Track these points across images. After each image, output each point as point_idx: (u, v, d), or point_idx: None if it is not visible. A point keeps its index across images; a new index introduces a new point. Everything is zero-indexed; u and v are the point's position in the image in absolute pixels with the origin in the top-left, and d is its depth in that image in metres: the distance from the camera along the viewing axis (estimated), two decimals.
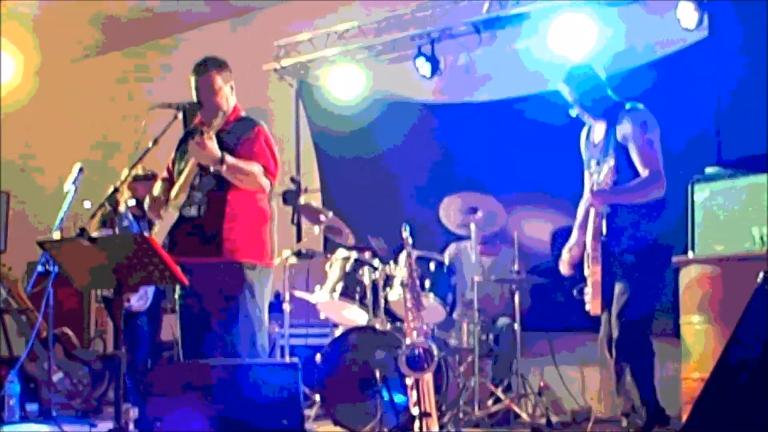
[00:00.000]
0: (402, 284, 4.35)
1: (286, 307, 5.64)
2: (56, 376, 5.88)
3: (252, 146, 3.88)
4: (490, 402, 5.11)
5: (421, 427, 3.61)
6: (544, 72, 6.05)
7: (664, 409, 4.12)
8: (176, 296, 3.96)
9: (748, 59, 4.96)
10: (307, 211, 5.85)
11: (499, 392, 5.12)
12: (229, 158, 3.73)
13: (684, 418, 4.13)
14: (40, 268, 5.39)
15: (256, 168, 3.83)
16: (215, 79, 3.92)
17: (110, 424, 3.48)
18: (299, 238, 6.82)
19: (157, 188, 4.05)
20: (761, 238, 4.27)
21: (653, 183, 4.09)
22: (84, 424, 5.18)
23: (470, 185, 5.61)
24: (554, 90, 6.01)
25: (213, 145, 3.71)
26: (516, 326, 5.23)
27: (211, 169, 3.74)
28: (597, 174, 4.16)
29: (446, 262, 5.20)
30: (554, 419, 5.24)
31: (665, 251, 4.19)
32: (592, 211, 4.12)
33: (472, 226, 5.22)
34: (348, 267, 5.20)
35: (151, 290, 5.47)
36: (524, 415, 5.13)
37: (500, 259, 5.71)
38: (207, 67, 3.94)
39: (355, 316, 5.27)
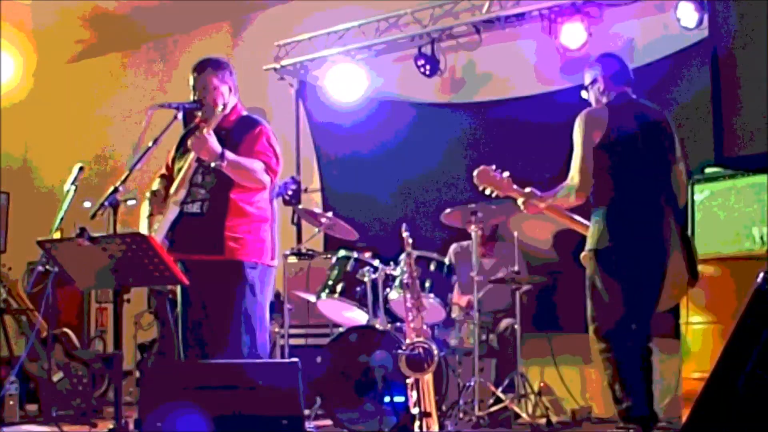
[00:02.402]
0: (402, 284, 4.35)
1: (286, 307, 5.64)
2: (56, 376, 5.88)
3: (254, 145, 3.89)
4: (490, 402, 5.11)
5: (421, 427, 3.61)
6: (544, 72, 6.06)
7: (653, 410, 4.04)
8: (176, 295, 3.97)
9: (748, 59, 4.97)
10: (306, 215, 5.85)
11: (499, 392, 5.11)
12: (229, 154, 3.74)
13: (684, 418, 4.13)
14: (40, 268, 5.40)
15: (256, 165, 3.84)
16: (211, 78, 3.94)
17: (110, 424, 3.48)
18: (299, 238, 6.82)
19: (156, 184, 4.05)
20: (761, 238, 4.28)
21: (569, 189, 3.97)
22: (84, 424, 5.18)
23: (470, 184, 5.60)
24: (554, 90, 6.03)
25: (213, 140, 3.71)
26: (516, 326, 5.23)
27: (212, 164, 3.74)
28: None
29: (446, 262, 5.20)
30: (554, 419, 5.24)
31: (631, 250, 3.95)
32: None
33: (473, 227, 5.22)
34: (348, 267, 5.20)
35: None
36: (524, 415, 5.13)
37: (501, 260, 5.70)
38: (204, 67, 3.97)
39: (355, 316, 5.27)
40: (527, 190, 4.16)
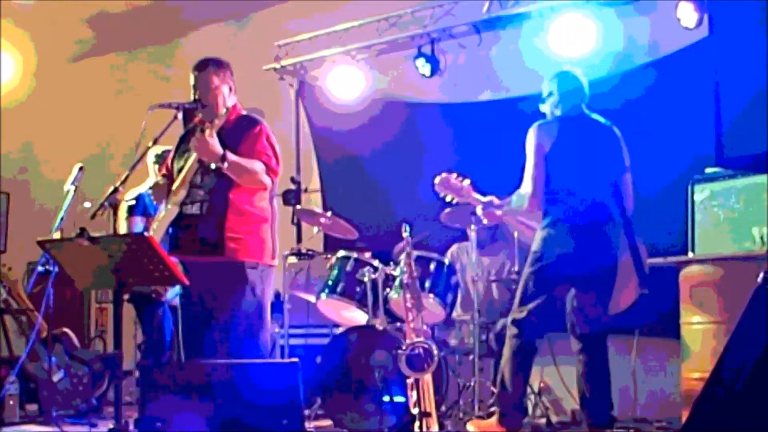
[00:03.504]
0: (402, 284, 4.35)
1: (286, 307, 5.64)
2: (56, 376, 5.88)
3: (254, 144, 3.89)
4: (490, 402, 5.11)
5: (421, 427, 3.61)
6: (544, 72, 6.05)
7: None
8: (169, 296, 3.97)
9: (748, 59, 4.96)
10: (306, 215, 5.85)
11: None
12: (230, 155, 3.74)
13: (684, 418, 4.13)
14: (40, 268, 5.40)
15: (257, 166, 3.84)
16: (212, 78, 3.94)
17: (110, 424, 3.48)
18: (299, 238, 6.82)
19: (159, 179, 4.07)
20: (761, 238, 4.27)
21: (523, 197, 4.17)
22: (84, 424, 5.18)
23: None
24: None
25: (214, 142, 3.72)
26: None
27: (213, 166, 3.74)
28: None
29: (446, 262, 5.20)
30: (554, 419, 5.24)
31: (577, 255, 4.14)
32: None
33: (472, 227, 5.22)
34: (348, 267, 5.20)
35: None
36: None
37: (500, 259, 5.70)
38: (205, 66, 3.97)
39: (355, 316, 5.27)
40: (487, 198, 4.28)
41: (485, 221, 4.47)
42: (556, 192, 4.15)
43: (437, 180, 4.39)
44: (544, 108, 4.46)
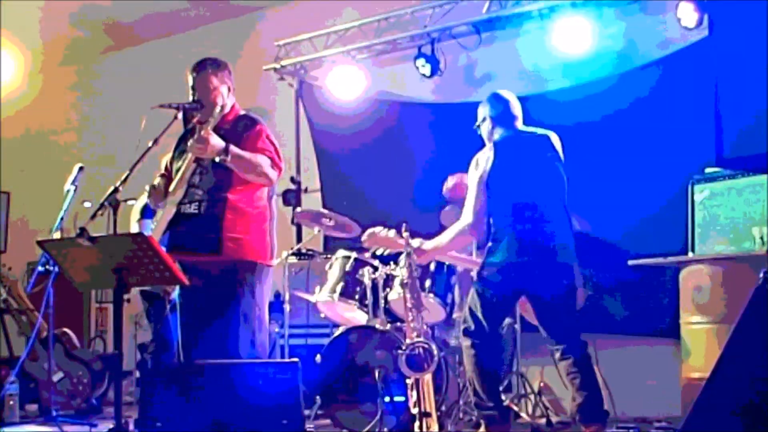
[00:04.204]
0: (402, 284, 4.36)
1: (286, 307, 5.64)
2: (56, 376, 5.88)
3: (255, 143, 3.88)
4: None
5: (421, 427, 3.62)
6: (544, 72, 6.06)
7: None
8: (175, 295, 3.97)
9: (748, 59, 4.96)
10: (306, 218, 5.83)
11: None
12: (233, 148, 3.73)
13: (684, 418, 4.13)
14: (40, 268, 5.40)
15: (262, 159, 3.83)
16: (211, 78, 3.94)
17: (110, 424, 3.48)
18: (299, 238, 6.82)
19: (156, 180, 4.06)
20: (761, 238, 4.27)
21: (464, 228, 4.20)
22: (84, 424, 5.18)
23: None
24: (554, 90, 6.02)
25: (214, 138, 3.70)
26: (516, 326, 5.23)
27: (217, 159, 3.72)
28: None
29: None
30: (554, 419, 5.24)
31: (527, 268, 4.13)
32: None
33: None
34: (348, 267, 5.20)
35: None
36: (524, 415, 5.12)
37: None
38: (203, 67, 3.97)
39: (355, 316, 5.27)
40: (416, 244, 4.29)
41: (420, 262, 4.48)
42: (497, 214, 4.17)
43: (364, 238, 4.42)
44: (481, 133, 4.48)
